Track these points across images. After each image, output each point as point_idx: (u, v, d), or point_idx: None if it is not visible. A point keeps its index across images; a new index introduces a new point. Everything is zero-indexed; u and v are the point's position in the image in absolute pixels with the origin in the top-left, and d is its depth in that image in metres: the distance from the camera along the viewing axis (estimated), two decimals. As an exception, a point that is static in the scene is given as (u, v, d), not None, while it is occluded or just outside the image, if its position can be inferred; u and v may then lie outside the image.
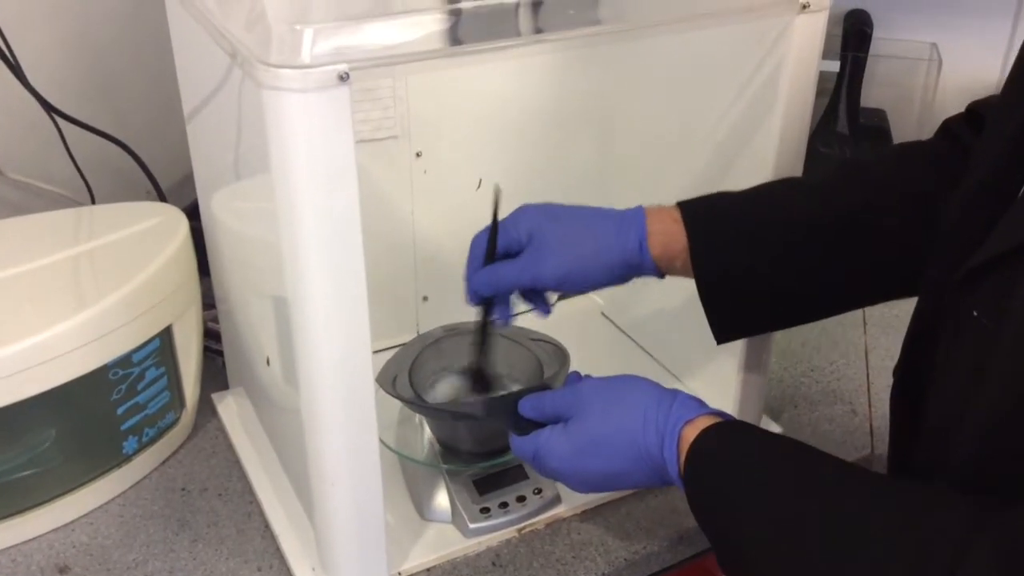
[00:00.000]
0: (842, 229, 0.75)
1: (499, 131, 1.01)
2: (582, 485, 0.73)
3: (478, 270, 0.78)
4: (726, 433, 0.67)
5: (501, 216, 0.78)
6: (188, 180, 0.91)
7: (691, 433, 0.67)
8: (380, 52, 0.59)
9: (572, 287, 0.78)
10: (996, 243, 0.58)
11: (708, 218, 0.76)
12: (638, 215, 0.77)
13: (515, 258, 0.77)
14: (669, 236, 0.76)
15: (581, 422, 0.72)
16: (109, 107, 1.10)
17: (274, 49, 0.56)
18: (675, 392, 0.71)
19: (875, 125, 1.35)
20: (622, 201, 0.79)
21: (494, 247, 0.77)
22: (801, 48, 0.75)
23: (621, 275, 0.77)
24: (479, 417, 0.81)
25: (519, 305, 0.82)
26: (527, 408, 0.75)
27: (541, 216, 0.78)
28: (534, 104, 1.02)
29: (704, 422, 0.67)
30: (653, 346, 1.05)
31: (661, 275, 0.78)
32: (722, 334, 0.78)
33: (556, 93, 1.02)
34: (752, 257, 0.76)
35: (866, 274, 0.77)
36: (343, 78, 0.56)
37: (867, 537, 0.56)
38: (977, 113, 0.75)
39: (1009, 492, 0.55)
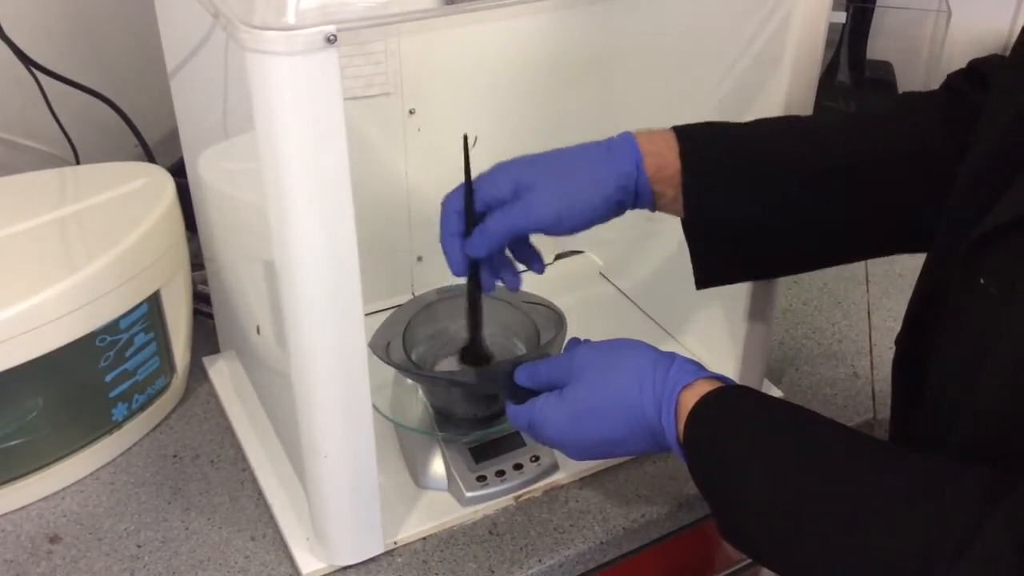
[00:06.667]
0: (843, 178, 0.73)
1: (496, 87, 0.98)
2: (579, 453, 0.72)
3: (454, 234, 0.73)
4: (726, 399, 0.65)
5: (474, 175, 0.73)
6: (177, 135, 0.89)
7: (690, 399, 0.65)
8: (370, 12, 0.56)
9: (570, 224, 0.72)
10: (1005, 210, 0.56)
11: (705, 152, 0.72)
12: (627, 139, 0.73)
13: (504, 208, 0.72)
14: (663, 159, 0.72)
15: (576, 389, 0.70)
16: (93, 61, 1.06)
17: (257, 9, 0.53)
18: (672, 355, 0.69)
19: (881, 78, 1.32)
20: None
21: (471, 206, 0.72)
22: (809, 1, 0.72)
23: (618, 202, 0.72)
24: (474, 385, 0.79)
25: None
26: (522, 376, 0.74)
27: (522, 165, 0.73)
28: (533, 59, 0.98)
29: (703, 387, 0.66)
30: (653, 307, 1.03)
31: (653, 207, 0.74)
32: (704, 277, 0.75)
33: (556, 48, 0.98)
34: (747, 197, 0.72)
35: (863, 226, 0.74)
36: (331, 40, 0.53)
37: (874, 511, 0.54)
38: (980, 71, 0.72)
39: (1016, 464, 0.53)
